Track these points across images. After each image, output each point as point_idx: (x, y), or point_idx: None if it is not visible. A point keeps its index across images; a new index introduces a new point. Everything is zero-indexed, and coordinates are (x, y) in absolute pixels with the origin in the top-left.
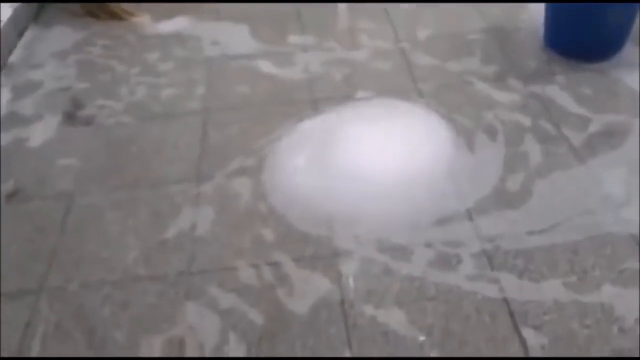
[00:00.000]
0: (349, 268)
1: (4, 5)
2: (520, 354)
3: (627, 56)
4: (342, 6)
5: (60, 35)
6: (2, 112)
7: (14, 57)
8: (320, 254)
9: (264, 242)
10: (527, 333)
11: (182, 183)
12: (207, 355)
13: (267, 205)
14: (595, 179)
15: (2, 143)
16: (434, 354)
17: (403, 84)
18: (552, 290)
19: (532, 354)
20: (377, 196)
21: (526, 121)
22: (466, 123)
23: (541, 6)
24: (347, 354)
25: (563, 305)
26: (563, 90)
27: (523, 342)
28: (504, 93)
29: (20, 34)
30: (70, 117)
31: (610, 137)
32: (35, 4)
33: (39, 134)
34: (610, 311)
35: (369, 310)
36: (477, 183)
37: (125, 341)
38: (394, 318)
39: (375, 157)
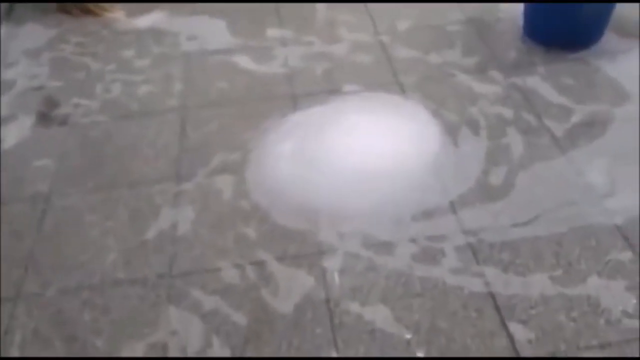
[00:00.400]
0: (333, 265)
1: None
2: (508, 349)
3: (607, 44)
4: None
5: (32, 32)
6: None
7: None
8: (305, 251)
9: (247, 240)
10: (514, 328)
11: (162, 182)
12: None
13: (249, 203)
14: (578, 170)
15: None
16: (420, 352)
17: (384, 77)
18: (538, 283)
19: (519, 348)
20: (360, 191)
21: (508, 113)
22: (449, 116)
23: None
24: (334, 353)
25: (549, 299)
26: (544, 80)
27: (510, 337)
28: (485, 85)
29: None
30: (45, 117)
31: (592, 127)
32: (6, 1)
33: (13, 134)
34: (597, 303)
35: (354, 308)
36: (461, 176)
37: (107, 347)
38: (380, 315)
39: (358, 151)
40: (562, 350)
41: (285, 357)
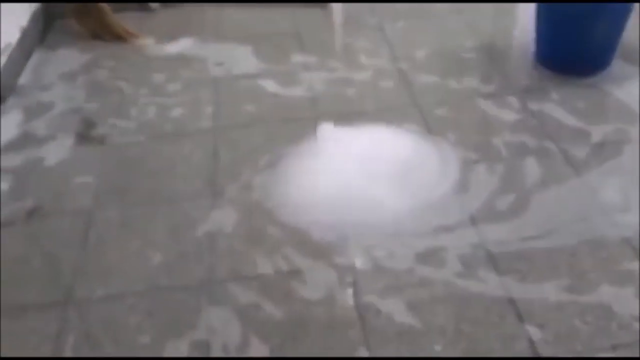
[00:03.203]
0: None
1: (13, 27)
2: (527, 349)
3: (615, 71)
4: (338, 25)
5: (66, 57)
6: (16, 133)
7: (22, 79)
8: (336, 261)
9: (282, 250)
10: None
11: (197, 198)
12: None
13: (279, 218)
14: (592, 189)
15: (18, 162)
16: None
17: (405, 102)
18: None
19: (539, 348)
20: (384, 207)
21: (526, 137)
22: (471, 140)
23: (532, 22)
24: None
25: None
26: (558, 105)
27: (529, 338)
28: (503, 110)
29: (27, 57)
30: (83, 137)
31: (606, 148)
32: (41, 27)
33: (54, 153)
34: (609, 309)
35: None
36: (481, 195)
37: (153, 345)
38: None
39: (378, 176)
40: (578, 350)
41: (315, 357)
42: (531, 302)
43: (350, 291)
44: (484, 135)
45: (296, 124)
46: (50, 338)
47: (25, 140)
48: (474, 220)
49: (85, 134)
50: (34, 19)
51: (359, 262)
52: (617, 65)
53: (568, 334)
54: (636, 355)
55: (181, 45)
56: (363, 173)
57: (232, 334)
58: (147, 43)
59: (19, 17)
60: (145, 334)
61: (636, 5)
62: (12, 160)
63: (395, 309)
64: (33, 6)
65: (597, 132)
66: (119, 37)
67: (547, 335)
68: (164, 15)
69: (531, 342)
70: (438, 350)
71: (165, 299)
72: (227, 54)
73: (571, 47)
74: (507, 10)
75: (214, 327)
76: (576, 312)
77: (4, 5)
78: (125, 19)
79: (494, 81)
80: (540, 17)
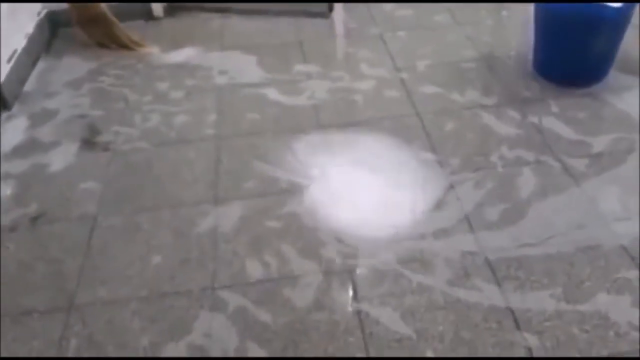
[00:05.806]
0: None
1: (18, 36)
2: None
3: (613, 81)
4: (340, 35)
5: (72, 65)
6: (22, 139)
7: (28, 86)
8: (333, 268)
9: (283, 257)
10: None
11: (200, 205)
12: None
13: (281, 225)
14: (590, 199)
15: (23, 168)
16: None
17: (406, 113)
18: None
19: (536, 356)
20: (382, 214)
21: (527, 148)
22: (470, 150)
23: (530, 33)
24: None
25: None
26: (557, 116)
27: (527, 346)
28: (503, 122)
29: (33, 64)
30: (88, 143)
31: (606, 158)
32: (46, 35)
33: (59, 159)
34: (606, 317)
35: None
36: (479, 204)
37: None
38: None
39: (377, 183)
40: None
41: (313, 357)
42: (529, 310)
43: (348, 297)
44: (484, 146)
45: (299, 132)
46: (54, 342)
47: (30, 146)
48: (472, 228)
49: (90, 141)
50: (39, 26)
51: (358, 269)
52: (614, 75)
53: (566, 342)
54: None
55: (185, 54)
56: (361, 181)
57: (230, 339)
58: (152, 51)
59: (25, 24)
60: (147, 338)
61: (635, 15)
62: (17, 166)
63: (393, 316)
64: (39, 14)
65: (597, 142)
66: (124, 45)
67: (544, 343)
68: (169, 24)
69: (529, 350)
70: (434, 355)
71: (168, 305)
72: (230, 63)
73: (569, 58)
74: (506, 21)
75: (212, 332)
76: (574, 320)
77: (10, 12)
78: (130, 27)
79: (493, 92)
80: (538, 28)
